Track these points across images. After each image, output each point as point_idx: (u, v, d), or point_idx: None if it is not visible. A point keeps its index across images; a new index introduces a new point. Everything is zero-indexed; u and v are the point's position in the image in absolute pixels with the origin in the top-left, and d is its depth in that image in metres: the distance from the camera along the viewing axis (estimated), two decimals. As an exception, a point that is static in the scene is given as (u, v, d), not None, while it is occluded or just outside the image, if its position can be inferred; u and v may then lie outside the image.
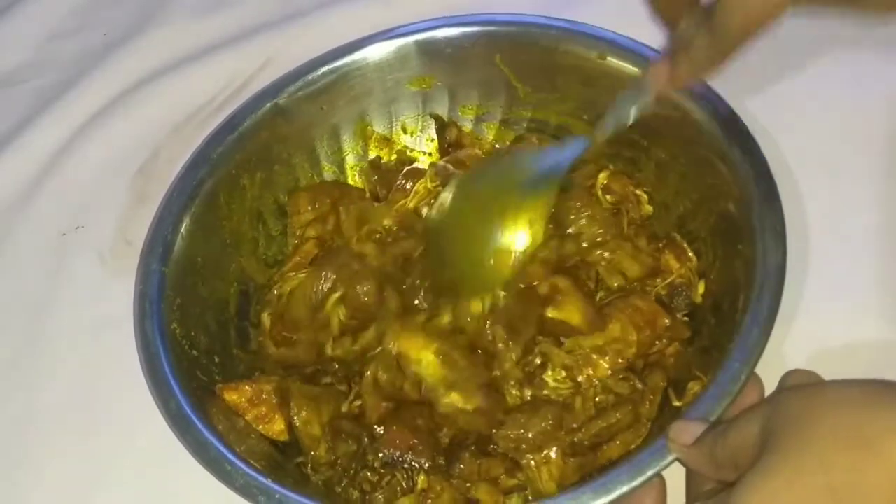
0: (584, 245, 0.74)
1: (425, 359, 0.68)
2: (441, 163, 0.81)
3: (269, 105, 0.81)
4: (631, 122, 0.65)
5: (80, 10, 1.06)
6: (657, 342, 0.71)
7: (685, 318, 0.73)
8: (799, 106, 0.83)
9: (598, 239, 0.74)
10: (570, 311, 0.70)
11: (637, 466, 0.59)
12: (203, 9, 1.02)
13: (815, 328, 0.71)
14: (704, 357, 0.68)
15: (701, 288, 0.74)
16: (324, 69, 0.82)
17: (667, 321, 0.70)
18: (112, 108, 0.96)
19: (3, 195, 0.92)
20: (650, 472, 0.59)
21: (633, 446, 0.67)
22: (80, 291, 0.85)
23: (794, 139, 0.80)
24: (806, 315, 0.72)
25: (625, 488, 0.58)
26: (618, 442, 0.67)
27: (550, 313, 0.70)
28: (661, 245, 0.76)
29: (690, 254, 0.74)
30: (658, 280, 0.74)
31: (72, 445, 0.77)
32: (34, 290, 0.86)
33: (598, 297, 0.73)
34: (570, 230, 0.74)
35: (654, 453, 0.59)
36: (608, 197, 0.76)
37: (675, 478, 0.63)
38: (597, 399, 0.69)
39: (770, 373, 0.68)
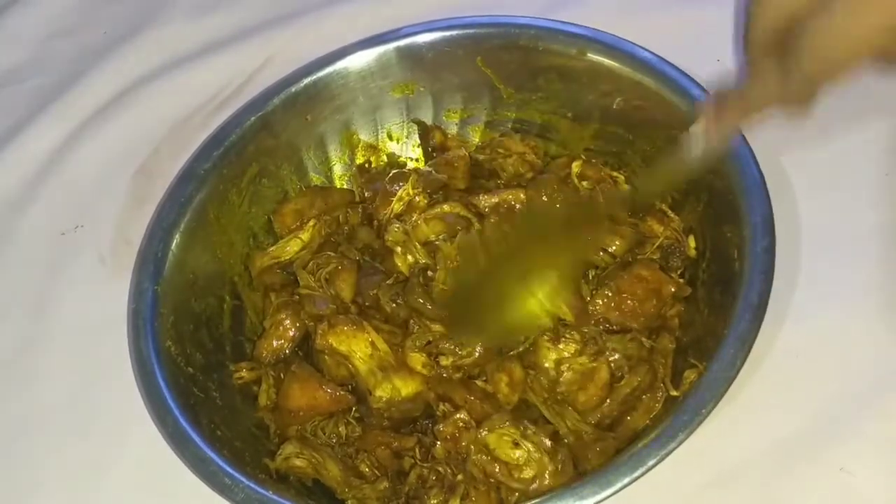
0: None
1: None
2: (425, 168, 0.82)
3: (253, 119, 0.81)
4: (687, 170, 0.63)
5: (80, 8, 1.06)
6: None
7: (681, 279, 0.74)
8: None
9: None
10: (559, 304, 0.71)
11: (636, 458, 0.59)
12: (203, 8, 1.03)
13: (809, 323, 0.71)
14: (699, 345, 0.68)
15: (692, 242, 0.75)
16: (306, 81, 0.82)
17: (672, 289, 0.71)
18: (112, 107, 0.96)
19: (3, 195, 0.93)
20: (651, 462, 0.59)
21: (653, 413, 0.68)
22: (80, 291, 0.85)
23: (788, 140, 0.80)
24: (798, 311, 0.72)
25: (626, 479, 0.59)
26: (640, 410, 0.68)
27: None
28: (641, 215, 0.76)
29: (671, 214, 0.75)
30: (647, 247, 0.74)
31: (72, 444, 0.77)
32: (34, 290, 0.86)
33: (590, 275, 0.74)
34: (546, 219, 0.75)
35: (652, 445, 0.60)
36: (584, 183, 0.77)
37: (675, 473, 0.63)
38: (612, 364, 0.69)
39: (768, 366, 0.69)
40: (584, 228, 0.70)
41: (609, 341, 0.69)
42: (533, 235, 0.70)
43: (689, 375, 0.66)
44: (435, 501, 0.66)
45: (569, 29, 0.79)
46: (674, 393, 0.67)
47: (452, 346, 0.70)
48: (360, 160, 0.86)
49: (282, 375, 0.74)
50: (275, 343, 0.76)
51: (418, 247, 0.74)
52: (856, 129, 0.81)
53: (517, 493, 0.66)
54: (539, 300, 0.68)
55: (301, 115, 0.83)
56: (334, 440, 0.72)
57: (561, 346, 0.69)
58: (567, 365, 0.69)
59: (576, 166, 0.77)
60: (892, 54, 0.51)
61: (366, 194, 0.82)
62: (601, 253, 0.74)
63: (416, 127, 0.86)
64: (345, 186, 0.87)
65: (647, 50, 0.76)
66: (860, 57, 0.51)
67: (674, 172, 0.64)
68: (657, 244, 0.74)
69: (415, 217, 0.76)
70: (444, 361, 0.70)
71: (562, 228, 0.70)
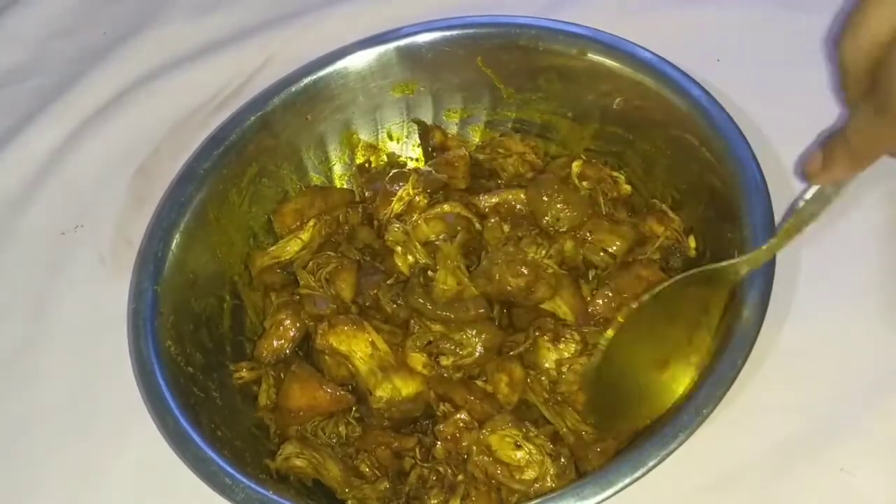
0: (563, 230, 0.74)
1: None
2: (425, 168, 0.82)
3: (253, 119, 0.81)
4: (811, 222, 0.61)
5: (80, 8, 1.06)
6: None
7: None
8: (793, 104, 0.83)
9: (576, 221, 0.75)
10: (558, 303, 0.71)
11: (636, 459, 0.59)
12: (203, 8, 1.03)
13: (809, 323, 0.71)
14: None
15: (692, 242, 0.75)
16: (306, 80, 0.82)
17: None
18: (112, 107, 0.97)
19: (3, 195, 0.93)
20: (651, 463, 0.59)
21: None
22: (80, 291, 0.86)
23: (788, 138, 0.80)
24: (798, 311, 0.72)
25: (627, 480, 0.59)
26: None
27: (545, 305, 0.71)
28: (641, 215, 0.77)
29: (672, 214, 0.75)
30: (648, 248, 0.74)
31: (72, 444, 0.77)
32: (34, 289, 0.86)
33: (591, 276, 0.74)
34: (546, 219, 0.75)
35: (652, 446, 0.60)
36: (584, 183, 0.77)
37: (675, 475, 0.63)
38: None
39: (768, 366, 0.69)
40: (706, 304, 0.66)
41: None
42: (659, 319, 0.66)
43: None
44: (435, 501, 0.66)
45: (569, 29, 0.79)
46: None
47: (452, 346, 0.70)
48: (360, 160, 0.86)
49: (282, 375, 0.74)
50: (275, 343, 0.76)
51: (418, 247, 0.74)
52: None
53: (518, 494, 0.66)
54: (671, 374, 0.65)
55: (301, 115, 0.83)
56: (334, 440, 0.72)
57: (561, 346, 0.69)
58: (567, 365, 0.69)
59: (576, 166, 0.77)
60: None
61: (366, 194, 0.82)
62: (601, 253, 0.74)
63: (416, 127, 0.86)
64: (345, 186, 0.87)
65: (647, 50, 0.76)
66: None
67: (790, 234, 0.63)
68: (657, 244, 0.74)
69: (415, 217, 0.76)
70: (445, 361, 0.70)
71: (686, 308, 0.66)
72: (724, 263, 0.64)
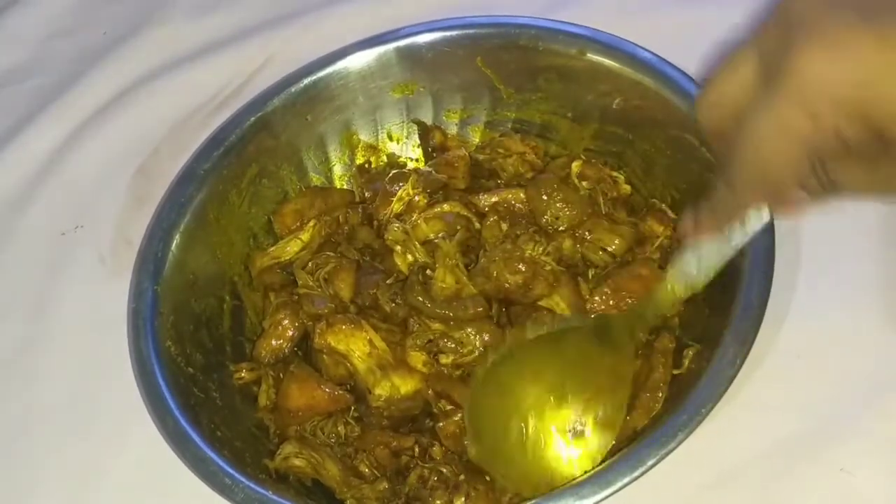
0: (562, 228, 0.74)
1: None
2: (425, 168, 0.82)
3: (253, 119, 0.81)
4: (691, 289, 0.63)
5: (80, 8, 1.06)
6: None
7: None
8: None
9: (575, 220, 0.74)
10: (556, 301, 0.71)
11: (636, 458, 0.59)
12: (203, 8, 1.03)
13: (809, 323, 0.71)
14: (696, 329, 0.69)
15: None
16: (306, 81, 0.82)
17: None
18: (112, 107, 0.97)
19: (3, 195, 0.93)
20: (650, 462, 0.59)
21: (653, 413, 0.67)
22: (80, 291, 0.86)
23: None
24: (798, 311, 0.72)
25: (626, 479, 0.59)
26: (640, 410, 0.67)
27: (543, 302, 0.71)
28: (641, 215, 0.77)
29: (672, 214, 0.75)
30: (647, 247, 0.75)
31: (72, 444, 0.77)
32: (34, 290, 0.86)
33: (590, 274, 0.74)
34: (545, 217, 0.75)
35: (652, 445, 0.60)
36: (584, 183, 0.77)
37: (674, 474, 0.63)
38: None
39: (768, 366, 0.69)
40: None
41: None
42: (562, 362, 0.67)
43: (689, 353, 0.67)
44: (440, 502, 0.66)
45: (569, 29, 0.79)
46: (675, 371, 0.67)
47: (453, 345, 0.70)
48: (360, 160, 0.87)
49: (281, 375, 0.74)
50: (274, 343, 0.76)
51: (418, 246, 0.74)
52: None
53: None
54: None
55: (301, 116, 0.83)
56: (333, 440, 0.72)
57: None
58: None
59: (576, 166, 0.77)
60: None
61: (366, 194, 0.82)
62: (600, 252, 0.74)
63: (416, 127, 0.86)
64: (345, 186, 0.87)
65: (646, 50, 0.76)
66: (791, 166, 0.49)
67: (676, 292, 0.64)
68: (657, 244, 0.74)
69: (414, 217, 0.76)
70: (444, 360, 0.70)
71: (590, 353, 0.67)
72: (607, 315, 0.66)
